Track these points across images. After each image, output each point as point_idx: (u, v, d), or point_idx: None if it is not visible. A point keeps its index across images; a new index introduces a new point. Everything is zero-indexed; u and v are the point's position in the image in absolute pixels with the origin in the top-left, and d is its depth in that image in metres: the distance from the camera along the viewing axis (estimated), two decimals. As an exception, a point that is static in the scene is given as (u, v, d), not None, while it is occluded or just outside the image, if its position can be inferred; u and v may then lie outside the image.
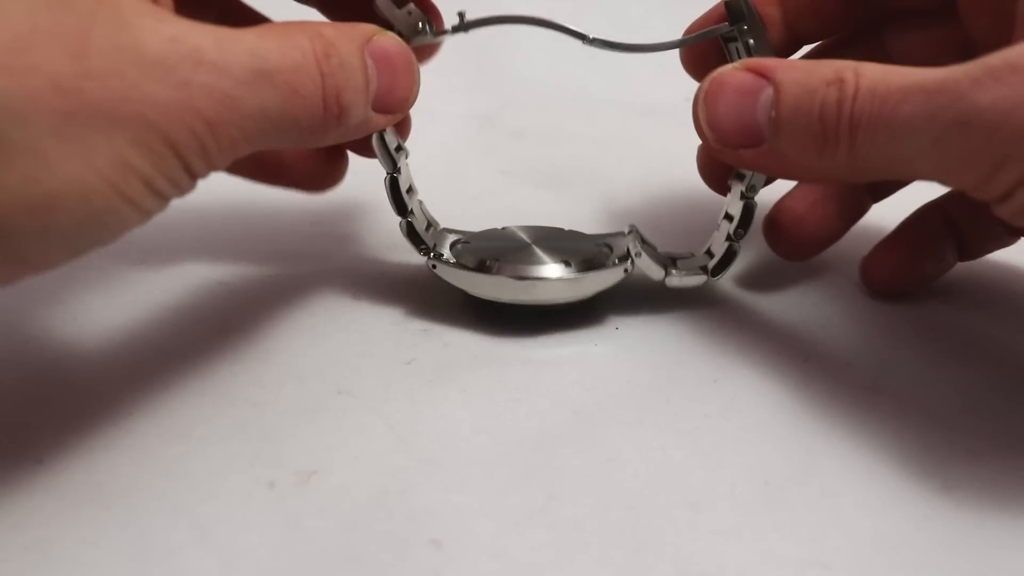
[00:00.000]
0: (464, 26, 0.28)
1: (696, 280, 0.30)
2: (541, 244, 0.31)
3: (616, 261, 0.30)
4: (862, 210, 0.32)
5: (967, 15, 0.28)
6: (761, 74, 0.25)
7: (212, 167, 0.22)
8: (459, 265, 0.30)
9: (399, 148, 0.30)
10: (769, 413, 0.27)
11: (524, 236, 0.31)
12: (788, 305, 0.31)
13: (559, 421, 0.26)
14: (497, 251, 0.30)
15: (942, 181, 0.23)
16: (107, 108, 0.20)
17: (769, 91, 0.25)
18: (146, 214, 0.21)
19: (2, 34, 0.19)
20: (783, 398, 0.27)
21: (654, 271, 0.30)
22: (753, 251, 0.34)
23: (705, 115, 0.26)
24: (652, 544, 0.23)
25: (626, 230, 0.31)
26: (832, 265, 0.33)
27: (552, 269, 0.29)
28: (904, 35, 0.31)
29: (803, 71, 0.25)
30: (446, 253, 0.31)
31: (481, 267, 0.30)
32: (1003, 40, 0.23)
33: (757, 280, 0.32)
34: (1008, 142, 0.21)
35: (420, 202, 0.32)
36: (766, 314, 0.31)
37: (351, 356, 0.28)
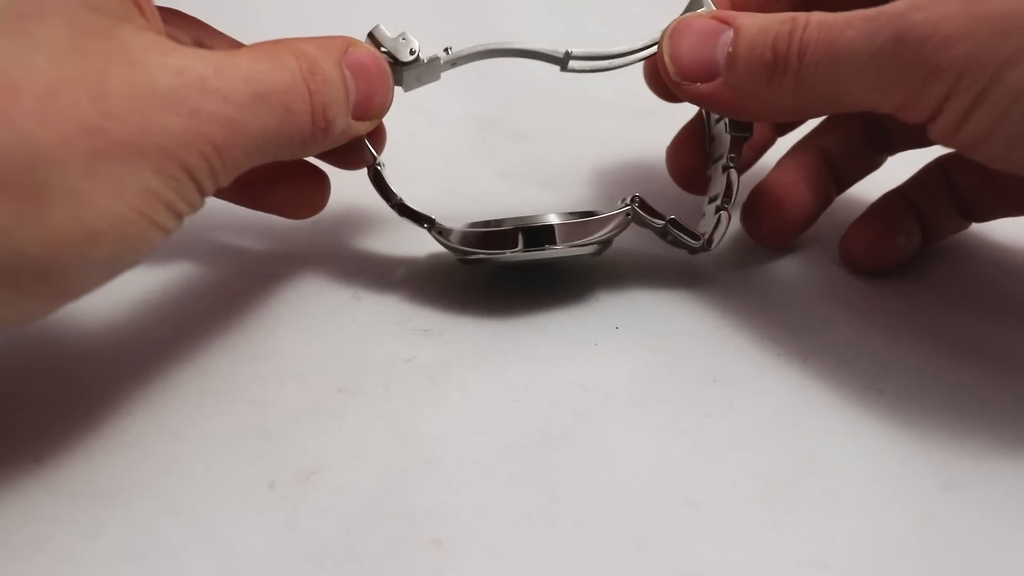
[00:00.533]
0: (451, 61, 0.29)
1: (692, 241, 0.30)
2: (540, 215, 0.31)
3: (620, 203, 0.30)
4: (830, 196, 0.34)
5: None
6: (723, 19, 0.28)
7: (218, 185, 0.24)
8: (457, 235, 0.30)
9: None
10: (769, 413, 0.27)
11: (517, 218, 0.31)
12: (788, 304, 0.31)
13: (559, 421, 0.26)
14: (497, 220, 0.30)
15: (877, 104, 0.25)
16: (131, 143, 0.21)
17: (730, 33, 0.27)
18: (168, 234, 0.23)
19: (33, 86, 0.20)
20: (783, 398, 0.27)
21: (652, 222, 0.30)
22: (753, 252, 0.34)
23: (669, 50, 0.28)
24: (652, 544, 0.23)
25: (630, 198, 0.31)
26: (832, 264, 0.33)
27: (555, 218, 0.30)
28: None
29: (764, 18, 0.27)
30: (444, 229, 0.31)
31: (485, 226, 0.30)
32: None
33: (756, 280, 0.32)
34: (936, 50, 0.23)
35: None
36: (765, 314, 0.31)
37: (351, 356, 0.28)
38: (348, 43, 0.27)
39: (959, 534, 0.24)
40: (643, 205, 0.30)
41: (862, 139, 0.34)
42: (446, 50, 0.29)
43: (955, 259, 0.34)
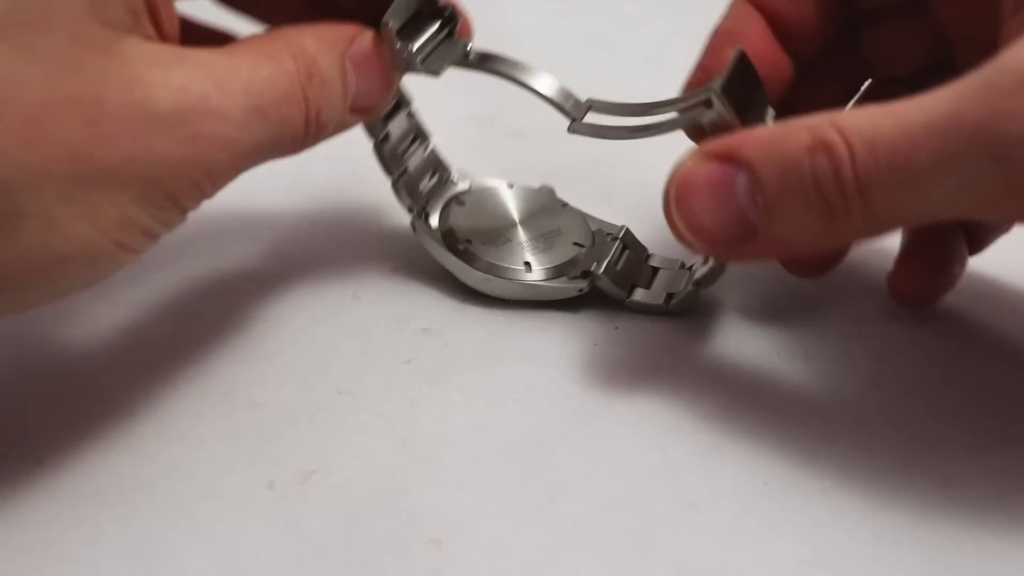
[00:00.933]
0: (468, 62, 0.28)
1: (656, 301, 0.30)
2: (527, 224, 0.32)
3: (581, 274, 0.30)
4: None
5: (937, 7, 0.28)
6: (727, 158, 0.23)
7: (202, 202, 0.23)
8: (433, 236, 0.31)
9: (396, 107, 0.30)
10: (769, 413, 0.27)
11: (515, 210, 0.32)
12: (787, 304, 0.31)
13: (559, 421, 0.26)
14: (476, 229, 0.31)
15: (978, 217, 0.22)
16: (115, 170, 0.20)
17: (744, 176, 0.22)
18: (139, 255, 0.22)
19: (23, 105, 0.19)
20: (783, 398, 0.27)
21: (615, 293, 0.30)
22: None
23: (683, 222, 0.24)
24: (652, 544, 0.23)
25: (618, 231, 0.31)
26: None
27: (512, 267, 0.30)
28: (877, 35, 0.30)
29: (773, 143, 0.22)
30: (434, 215, 0.32)
31: (452, 245, 0.31)
32: (979, 31, 0.23)
33: (755, 280, 0.32)
34: None
35: (430, 148, 0.32)
36: (765, 313, 0.31)
37: (351, 356, 0.28)
38: (353, 33, 0.26)
39: (959, 532, 0.23)
40: (607, 272, 0.30)
41: (846, 84, 0.31)
42: (467, 48, 0.28)
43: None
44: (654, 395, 0.27)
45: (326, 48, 0.25)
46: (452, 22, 0.28)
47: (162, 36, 0.22)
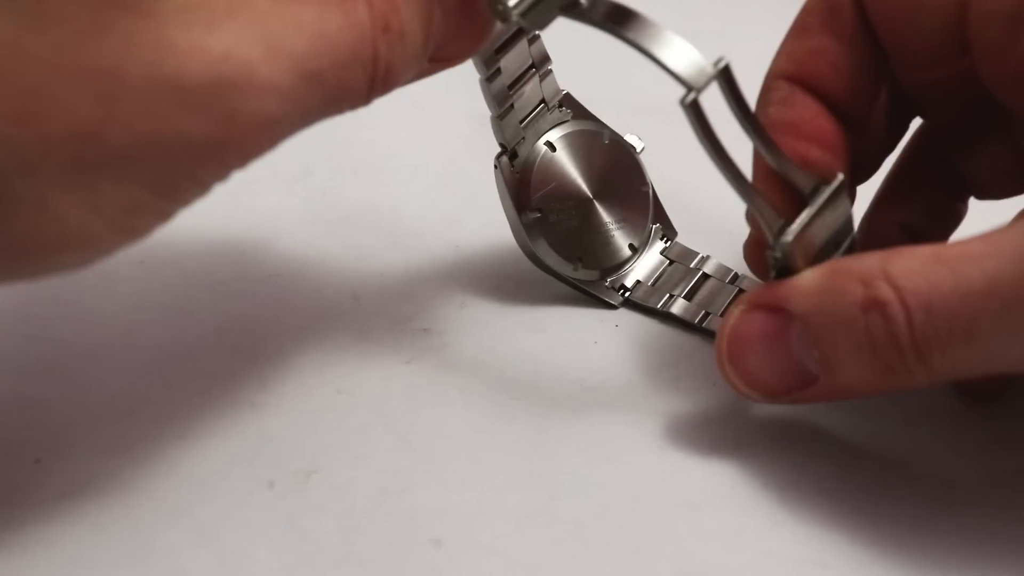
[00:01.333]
0: (579, 12, 0.22)
1: (690, 318, 0.29)
2: (598, 204, 0.31)
3: (619, 287, 0.30)
4: None
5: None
6: (774, 309, 0.22)
7: (228, 177, 0.20)
8: (508, 184, 0.30)
9: (515, 35, 0.27)
10: (768, 415, 0.27)
11: (595, 180, 0.31)
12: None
13: (559, 421, 0.26)
14: (550, 195, 0.30)
15: None
16: (129, 153, 0.17)
17: (797, 328, 0.22)
18: (145, 237, 0.20)
19: (23, 77, 0.17)
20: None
21: (647, 307, 0.30)
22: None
23: (739, 377, 0.23)
24: (652, 544, 0.23)
25: (670, 238, 0.31)
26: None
27: (556, 257, 0.30)
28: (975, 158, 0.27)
29: (824, 295, 0.21)
30: (523, 151, 0.30)
31: (521, 202, 0.30)
32: None
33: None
34: None
35: (547, 77, 0.30)
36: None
37: (351, 356, 0.28)
38: None
39: (959, 533, 0.23)
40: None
41: (944, 199, 0.28)
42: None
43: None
44: (654, 394, 0.27)
45: None
46: None
47: None
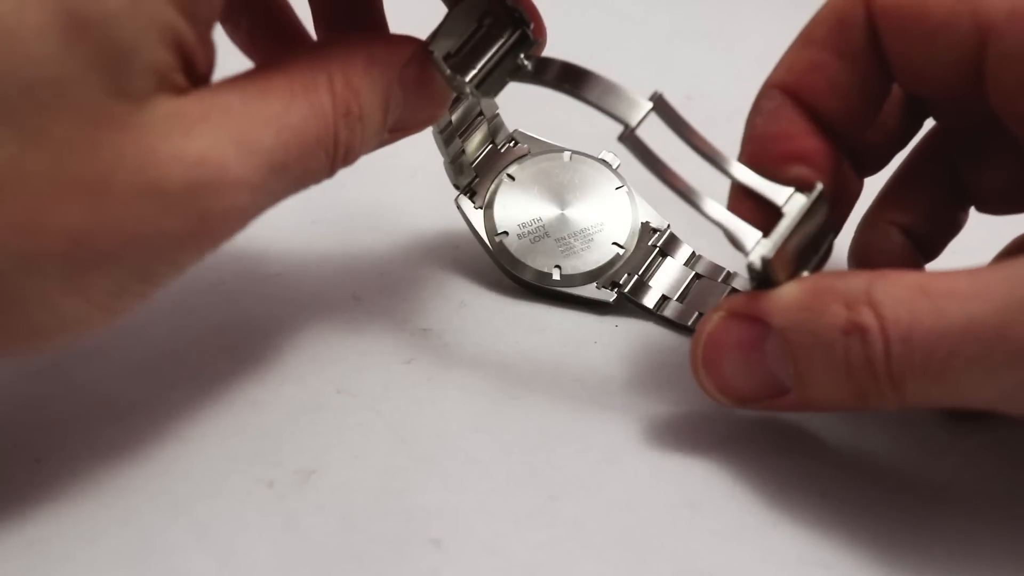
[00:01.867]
0: (525, 76, 0.24)
1: (682, 320, 0.30)
2: (570, 214, 0.31)
3: (610, 284, 0.30)
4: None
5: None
6: (753, 319, 0.23)
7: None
8: (474, 218, 0.31)
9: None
10: (769, 416, 0.27)
11: (563, 194, 0.31)
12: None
13: (559, 419, 0.26)
14: (516, 216, 0.31)
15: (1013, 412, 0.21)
16: (116, 251, 0.19)
17: (774, 340, 0.22)
18: (126, 315, 0.22)
19: (25, 192, 0.18)
20: (783, 398, 0.27)
21: (641, 306, 0.30)
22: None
23: (712, 382, 0.24)
24: (652, 544, 0.23)
25: (661, 231, 0.31)
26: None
27: (540, 270, 0.30)
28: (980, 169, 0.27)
29: (806, 312, 0.22)
30: (483, 188, 0.31)
31: (490, 232, 0.30)
32: None
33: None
34: None
35: (492, 118, 0.31)
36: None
37: (351, 356, 0.28)
38: (410, 52, 0.24)
39: (959, 533, 0.23)
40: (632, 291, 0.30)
41: (946, 207, 0.28)
42: (525, 58, 0.24)
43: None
44: (654, 396, 0.27)
45: (376, 75, 0.23)
46: (521, 26, 0.25)
47: (196, 77, 0.21)
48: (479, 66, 0.24)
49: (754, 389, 0.23)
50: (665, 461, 0.25)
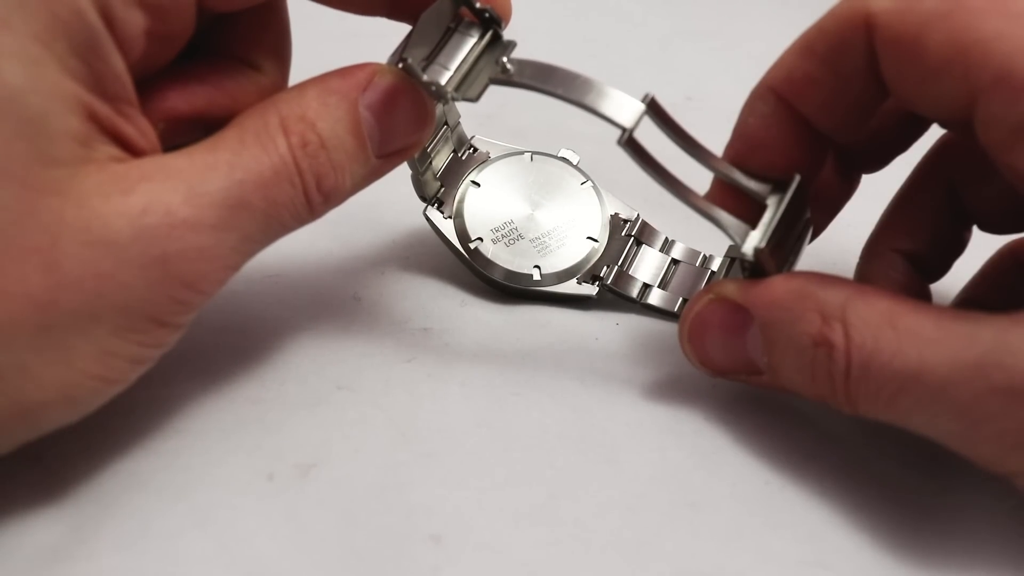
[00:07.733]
0: (508, 79, 0.24)
1: (669, 307, 0.30)
2: (541, 214, 0.31)
3: (590, 278, 0.31)
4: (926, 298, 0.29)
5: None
6: (741, 309, 0.24)
7: (200, 309, 0.22)
8: (445, 229, 0.31)
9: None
10: (769, 414, 0.27)
11: (530, 194, 0.32)
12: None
13: (559, 418, 0.26)
14: (488, 221, 0.31)
15: (968, 454, 0.22)
16: (83, 310, 0.20)
17: (755, 330, 0.24)
18: (130, 382, 0.22)
19: None
20: (783, 399, 0.27)
21: (626, 296, 0.30)
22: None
23: (694, 354, 0.26)
24: (652, 544, 0.23)
25: (633, 221, 0.31)
26: (829, 270, 0.33)
27: (520, 272, 0.30)
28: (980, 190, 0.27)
29: (785, 313, 0.23)
30: (450, 198, 0.31)
31: (464, 240, 0.31)
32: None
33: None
34: None
35: (455, 131, 0.31)
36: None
37: (351, 355, 0.28)
38: (370, 74, 0.24)
39: (959, 534, 0.24)
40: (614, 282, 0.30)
41: (948, 228, 0.28)
42: (505, 63, 0.23)
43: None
44: (654, 396, 0.27)
45: (332, 103, 0.23)
46: (492, 25, 0.24)
47: (134, 150, 0.21)
48: (454, 68, 0.24)
49: (731, 365, 0.25)
50: (665, 461, 0.25)
